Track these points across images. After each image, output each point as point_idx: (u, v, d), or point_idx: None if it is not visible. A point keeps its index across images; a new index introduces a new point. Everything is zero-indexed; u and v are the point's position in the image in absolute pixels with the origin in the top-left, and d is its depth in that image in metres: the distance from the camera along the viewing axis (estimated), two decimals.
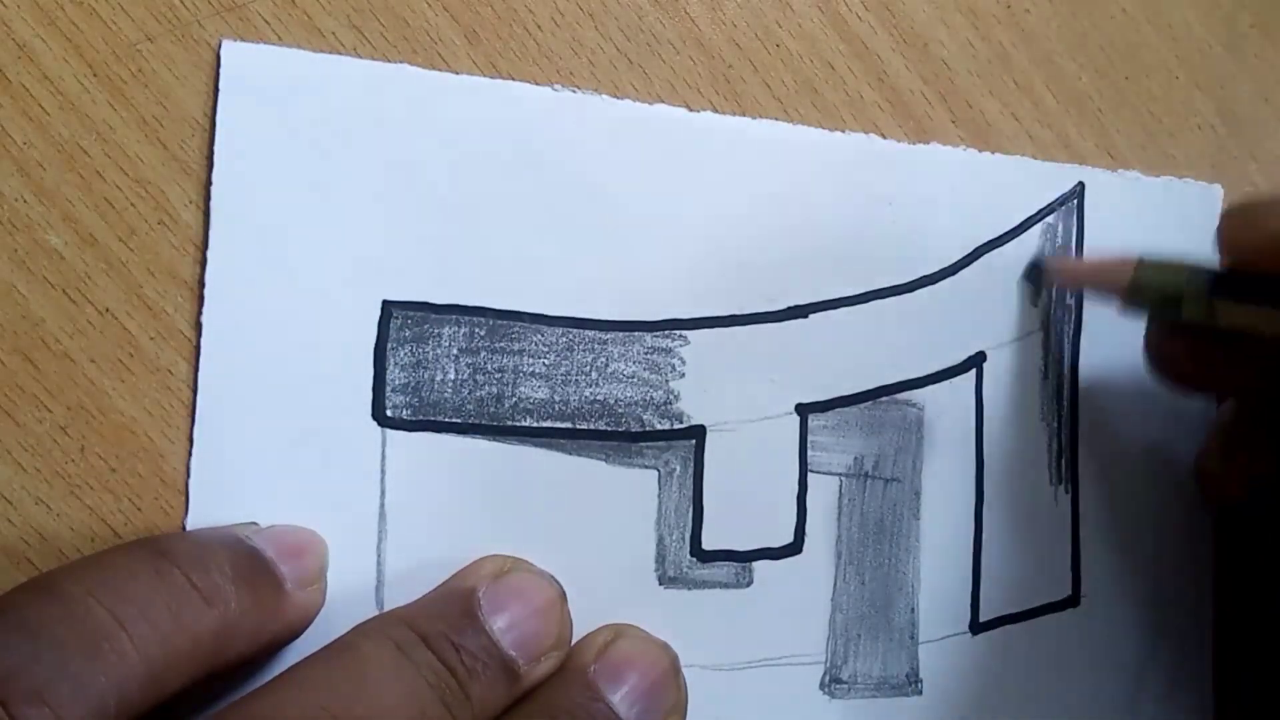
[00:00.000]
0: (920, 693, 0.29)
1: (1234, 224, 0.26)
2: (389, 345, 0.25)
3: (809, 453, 0.28)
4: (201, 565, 0.21)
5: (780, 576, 0.28)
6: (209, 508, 0.24)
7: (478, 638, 0.23)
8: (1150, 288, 0.27)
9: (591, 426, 0.27)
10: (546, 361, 0.27)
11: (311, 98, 0.25)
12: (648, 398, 0.27)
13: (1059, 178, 0.31)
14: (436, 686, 0.22)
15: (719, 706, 0.27)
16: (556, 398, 0.27)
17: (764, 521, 0.28)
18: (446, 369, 0.26)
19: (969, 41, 0.30)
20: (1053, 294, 0.31)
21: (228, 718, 0.20)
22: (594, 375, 0.27)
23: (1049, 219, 0.31)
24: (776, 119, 0.28)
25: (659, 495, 0.27)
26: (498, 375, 0.26)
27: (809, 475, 0.28)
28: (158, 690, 0.20)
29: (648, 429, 0.27)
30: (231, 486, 0.24)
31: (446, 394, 0.26)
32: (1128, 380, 0.32)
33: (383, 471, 0.25)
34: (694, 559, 0.27)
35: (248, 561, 0.22)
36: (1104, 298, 0.29)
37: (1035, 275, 0.30)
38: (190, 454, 0.24)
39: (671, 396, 0.27)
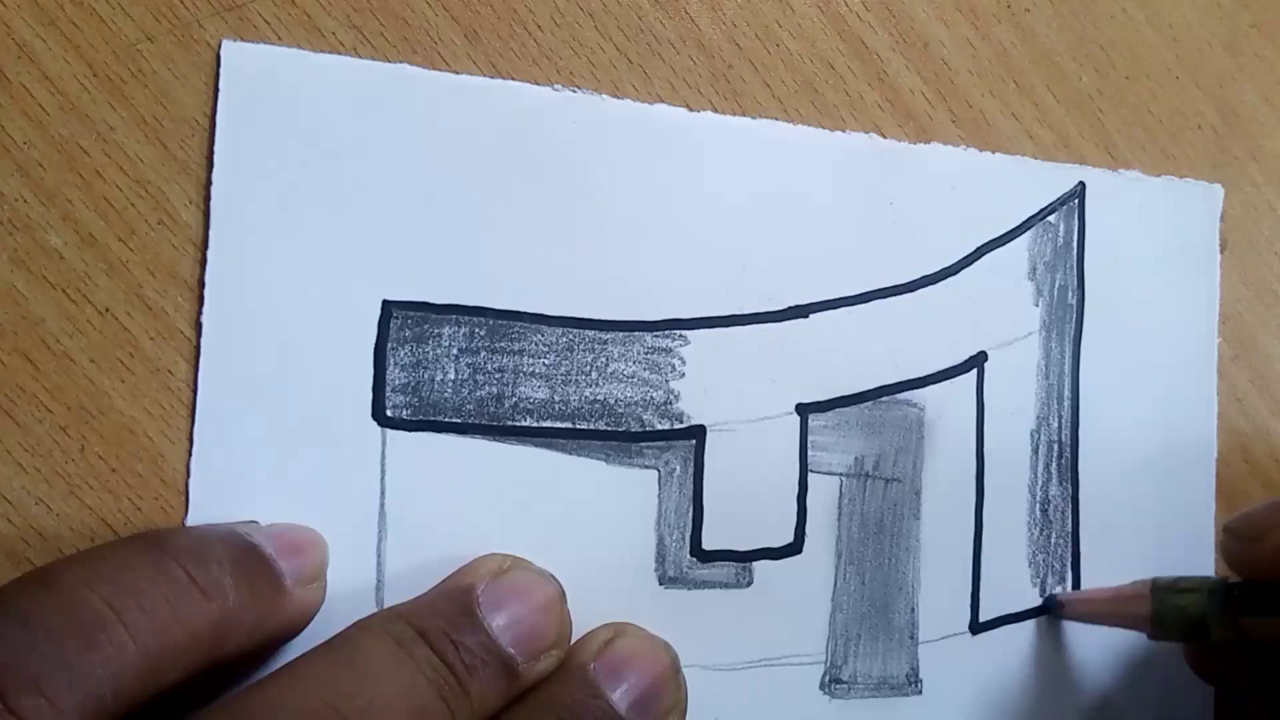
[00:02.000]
0: (920, 693, 0.29)
1: (1237, 544, 0.27)
2: (389, 345, 0.25)
3: (809, 453, 0.28)
4: (200, 559, 0.21)
5: (780, 576, 0.28)
6: (209, 507, 0.24)
7: (476, 635, 0.23)
8: (1175, 618, 0.27)
9: (591, 426, 0.27)
10: (546, 361, 0.27)
11: (311, 98, 0.25)
12: (648, 398, 0.27)
13: (1059, 178, 0.31)
14: (435, 682, 0.22)
15: (719, 706, 0.27)
16: (556, 398, 0.27)
17: (764, 521, 0.28)
18: (446, 369, 0.26)
19: (969, 41, 0.30)
20: (1053, 294, 0.31)
21: (227, 708, 0.20)
22: (594, 375, 0.27)
23: (1049, 219, 0.31)
24: (776, 119, 0.29)
25: (659, 495, 0.27)
26: (498, 375, 0.26)
27: (809, 475, 0.28)
28: (155, 682, 0.20)
29: (648, 429, 0.27)
30: (231, 486, 0.24)
31: (446, 394, 0.26)
32: (1128, 379, 0.32)
33: (383, 471, 0.25)
34: (694, 559, 0.27)
35: (247, 556, 0.22)
36: (1128, 627, 0.29)
37: (1054, 608, 0.30)
38: (190, 454, 0.24)
39: (671, 396, 0.27)
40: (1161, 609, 0.28)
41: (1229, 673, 0.30)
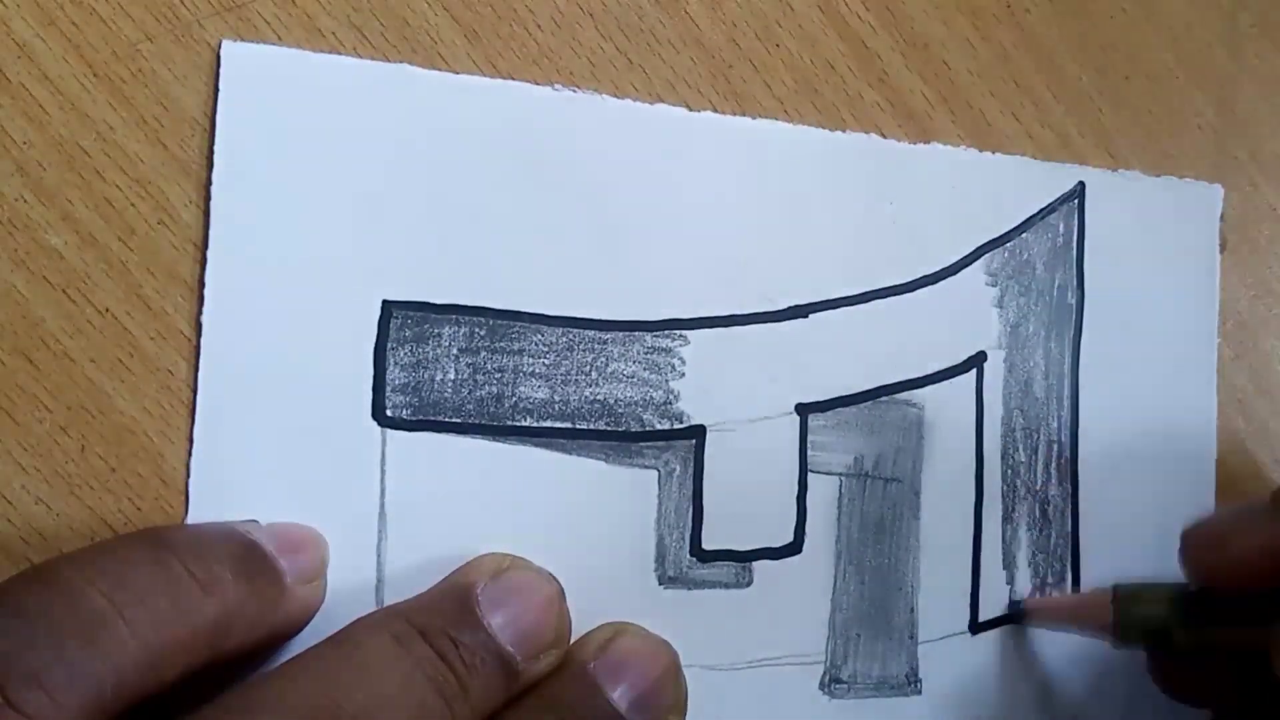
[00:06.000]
0: (920, 693, 0.29)
1: (1198, 551, 0.27)
2: (389, 345, 0.25)
3: (809, 453, 0.28)
4: (201, 556, 0.21)
5: (780, 576, 0.28)
6: (209, 508, 0.24)
7: (476, 634, 0.23)
8: (1138, 627, 0.27)
9: (591, 426, 0.27)
10: (546, 361, 0.27)
11: (311, 98, 0.25)
12: (648, 398, 0.27)
13: (1059, 178, 0.31)
14: (434, 680, 0.22)
15: (719, 706, 0.27)
16: (556, 398, 0.27)
17: (764, 521, 0.28)
18: (446, 369, 0.26)
19: (969, 41, 0.30)
20: (1053, 294, 0.31)
21: (227, 704, 0.20)
22: (594, 375, 0.27)
23: (1049, 219, 0.31)
24: (776, 119, 0.29)
25: (659, 495, 0.27)
26: (498, 375, 0.26)
27: (809, 475, 0.28)
28: (155, 678, 0.20)
29: (648, 429, 0.27)
30: (231, 486, 0.24)
31: (446, 394, 0.26)
32: (1128, 379, 0.32)
33: (383, 471, 0.25)
34: (694, 559, 0.27)
35: (247, 554, 0.22)
36: (1093, 635, 0.29)
37: (1018, 614, 0.30)
38: (190, 454, 0.24)
39: (671, 396, 0.27)
40: (1124, 618, 0.27)
41: (1191, 684, 0.29)
